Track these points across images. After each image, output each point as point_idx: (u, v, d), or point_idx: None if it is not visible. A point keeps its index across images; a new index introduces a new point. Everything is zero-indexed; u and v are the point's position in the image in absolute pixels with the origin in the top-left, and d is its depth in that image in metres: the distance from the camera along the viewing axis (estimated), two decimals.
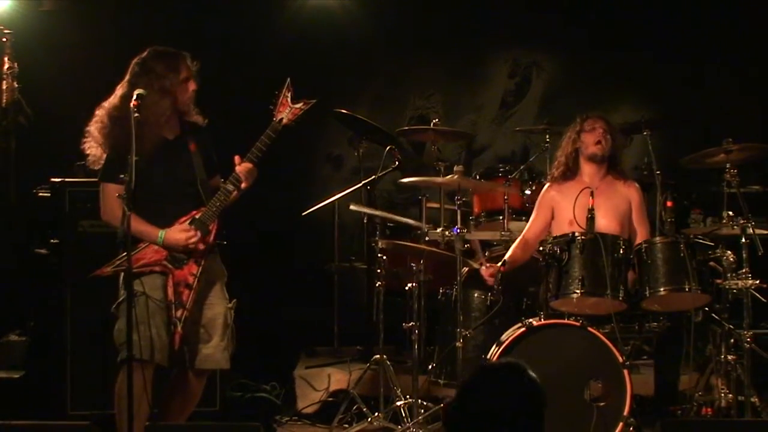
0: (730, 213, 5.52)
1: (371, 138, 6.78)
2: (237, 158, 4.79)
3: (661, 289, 5.10)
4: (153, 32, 6.92)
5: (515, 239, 5.77)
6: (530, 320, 5.10)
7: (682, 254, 5.10)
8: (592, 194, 5.23)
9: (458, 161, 7.51)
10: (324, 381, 6.36)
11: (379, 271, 5.87)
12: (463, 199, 5.59)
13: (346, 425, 5.74)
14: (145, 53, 4.77)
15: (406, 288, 5.76)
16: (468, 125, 8.13)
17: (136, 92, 4.51)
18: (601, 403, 4.91)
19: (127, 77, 4.75)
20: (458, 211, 5.47)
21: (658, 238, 5.33)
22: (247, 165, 4.77)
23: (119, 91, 4.74)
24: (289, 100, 4.84)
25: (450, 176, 5.53)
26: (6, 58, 6.48)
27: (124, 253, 4.40)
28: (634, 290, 5.16)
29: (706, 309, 5.31)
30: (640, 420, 5.06)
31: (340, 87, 7.88)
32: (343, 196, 6.52)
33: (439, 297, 5.81)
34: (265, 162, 4.81)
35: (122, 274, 4.59)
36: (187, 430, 4.84)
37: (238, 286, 5.02)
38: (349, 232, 7.57)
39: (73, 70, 7.27)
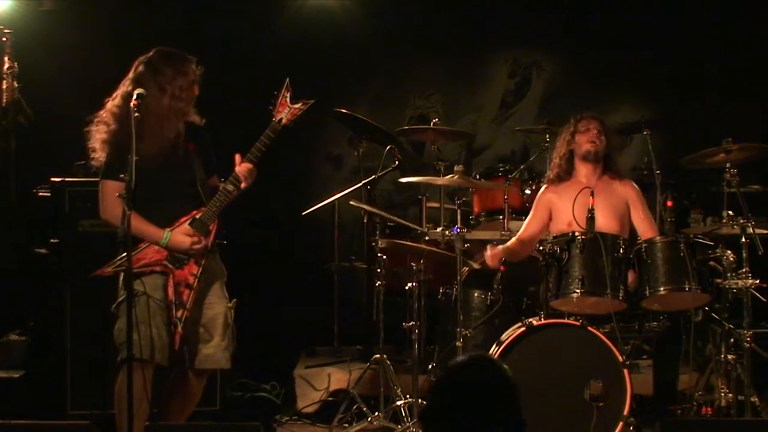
0: (730, 213, 5.53)
1: (371, 138, 6.77)
2: (238, 157, 4.79)
3: (661, 289, 5.11)
4: (153, 32, 6.95)
5: None
6: (530, 320, 5.10)
7: (682, 254, 5.11)
8: (592, 194, 5.23)
9: (458, 161, 7.50)
10: (324, 381, 6.36)
11: (379, 270, 5.86)
12: (463, 198, 5.59)
13: (346, 425, 5.74)
14: (152, 53, 4.73)
15: (406, 288, 5.74)
16: (468, 125, 8.12)
17: (136, 92, 4.49)
18: (601, 403, 4.90)
19: (130, 75, 4.71)
20: (458, 211, 5.48)
21: (658, 238, 5.33)
22: (247, 165, 4.77)
23: (122, 89, 4.71)
24: (288, 100, 4.83)
25: (450, 176, 5.52)
26: (6, 58, 6.48)
27: (125, 253, 4.39)
28: (634, 290, 5.17)
29: (706, 308, 5.32)
30: (640, 419, 5.06)
31: (340, 87, 7.88)
32: (343, 195, 6.51)
33: (439, 296, 5.81)
34: (265, 162, 4.81)
35: (122, 274, 4.58)
36: (187, 430, 4.83)
37: (238, 286, 5.02)
38: (349, 231, 7.57)
39: (73, 70, 7.26)
